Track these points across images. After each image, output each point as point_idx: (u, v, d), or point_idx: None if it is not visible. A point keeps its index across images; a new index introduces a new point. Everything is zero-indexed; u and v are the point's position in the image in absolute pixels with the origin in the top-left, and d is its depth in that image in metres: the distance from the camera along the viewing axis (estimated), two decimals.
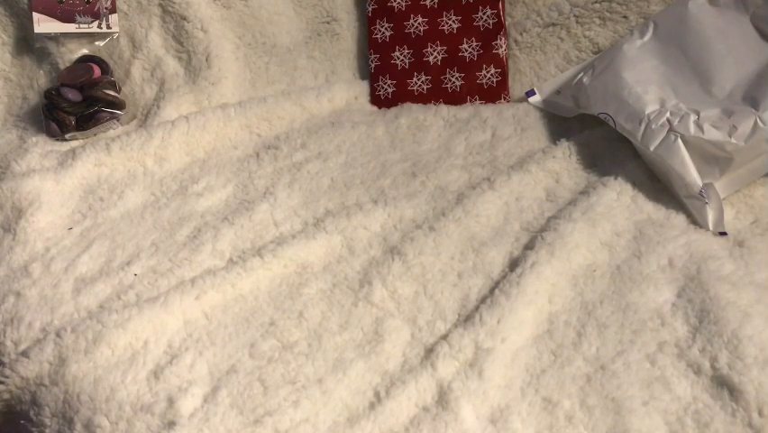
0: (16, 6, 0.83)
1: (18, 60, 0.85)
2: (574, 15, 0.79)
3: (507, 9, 0.83)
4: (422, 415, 0.49)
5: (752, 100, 0.61)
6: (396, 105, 0.84)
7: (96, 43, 0.82)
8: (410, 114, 0.81)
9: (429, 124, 0.79)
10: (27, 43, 0.84)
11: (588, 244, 0.60)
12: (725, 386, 0.49)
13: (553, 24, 0.80)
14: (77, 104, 0.78)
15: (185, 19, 0.82)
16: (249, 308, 0.58)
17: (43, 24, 0.80)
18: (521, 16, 0.83)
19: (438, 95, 0.83)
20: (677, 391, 0.49)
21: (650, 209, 0.63)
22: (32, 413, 0.54)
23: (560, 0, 0.80)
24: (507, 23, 0.82)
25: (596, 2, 0.78)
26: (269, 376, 0.52)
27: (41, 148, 0.76)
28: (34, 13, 0.80)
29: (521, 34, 0.82)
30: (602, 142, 0.70)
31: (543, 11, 0.81)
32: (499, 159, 0.72)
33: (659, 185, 0.65)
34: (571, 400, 0.49)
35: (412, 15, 0.84)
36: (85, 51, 0.82)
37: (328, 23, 0.88)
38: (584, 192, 0.65)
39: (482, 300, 0.56)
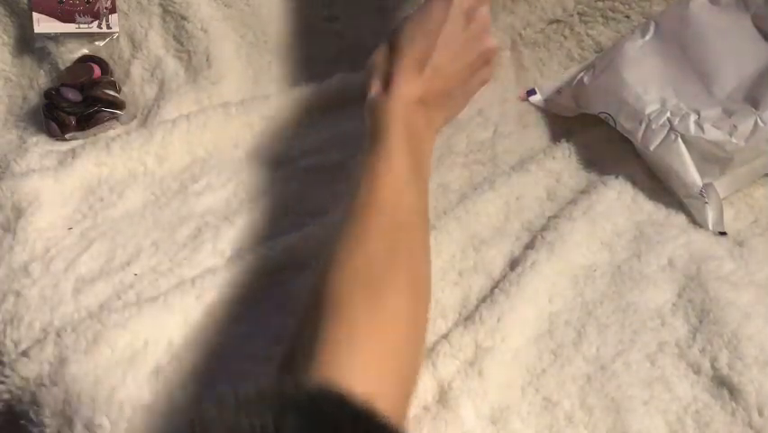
0: (16, 6, 0.82)
1: (18, 60, 0.85)
2: (578, 13, 0.79)
3: (510, 5, 0.82)
4: (422, 414, 0.49)
5: (752, 100, 0.61)
6: None
7: (96, 43, 0.82)
8: None
9: None
10: (27, 43, 0.84)
11: (588, 244, 0.60)
12: (725, 386, 0.49)
13: (557, 21, 0.80)
14: (78, 104, 0.78)
15: (185, 19, 0.82)
16: None
17: (43, 24, 0.80)
18: (525, 11, 0.82)
19: None
20: (677, 391, 0.49)
21: (650, 209, 0.63)
22: (31, 413, 0.54)
23: None
24: (509, 17, 0.82)
25: (599, 0, 0.78)
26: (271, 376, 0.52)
27: (41, 148, 0.76)
28: (34, 13, 0.80)
29: (524, 29, 0.82)
30: (603, 141, 0.70)
31: (547, 7, 0.81)
32: (500, 157, 0.72)
33: (659, 185, 0.64)
34: (571, 400, 0.49)
35: None
36: (85, 51, 0.82)
37: (330, 21, 0.88)
38: (585, 191, 0.65)
39: (483, 299, 0.56)
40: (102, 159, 0.73)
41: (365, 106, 0.55)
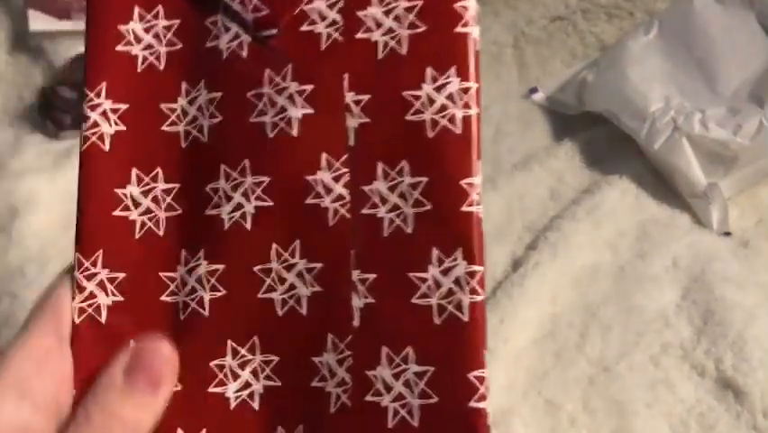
0: (11, 3, 0.82)
1: (13, 59, 0.84)
2: (581, 10, 0.79)
3: (512, 1, 0.82)
4: None
5: (757, 99, 0.60)
6: None
7: None
8: None
9: None
10: (22, 41, 0.83)
11: (591, 244, 0.59)
12: (729, 388, 0.49)
13: (560, 18, 0.80)
14: (74, 102, 0.77)
15: None
16: None
17: (39, 22, 0.79)
18: (527, 7, 0.82)
19: None
20: (681, 394, 0.49)
21: (654, 209, 0.62)
22: None
23: None
24: (511, 14, 0.81)
25: None
26: None
27: (37, 147, 0.75)
28: (30, 11, 0.79)
29: (527, 26, 0.81)
30: (606, 140, 0.69)
31: (549, 3, 0.81)
32: (502, 156, 0.71)
33: (663, 184, 0.64)
34: (573, 403, 0.49)
35: None
36: (81, 49, 0.81)
37: None
38: (588, 191, 0.64)
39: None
40: None
41: None
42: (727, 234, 0.59)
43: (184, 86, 0.30)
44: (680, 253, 0.58)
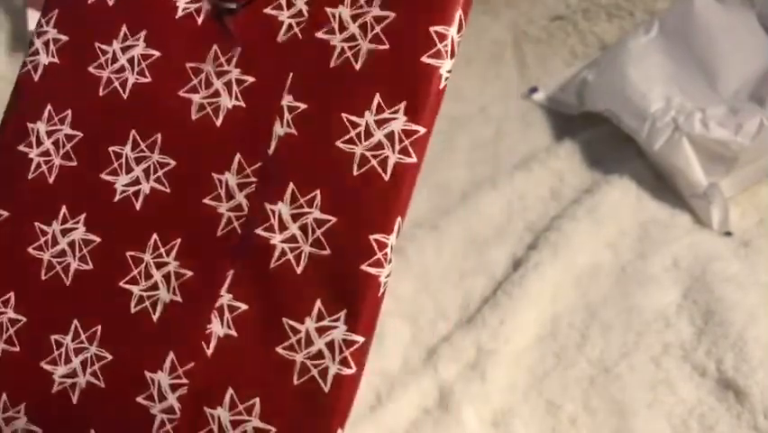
0: (10, 3, 0.82)
1: (13, 59, 0.84)
2: (581, 10, 0.79)
3: (512, 1, 0.82)
4: (423, 418, 0.49)
5: (758, 98, 0.60)
6: None
7: None
8: None
9: None
10: (22, 41, 0.83)
11: (592, 244, 0.59)
12: (730, 388, 0.49)
13: (560, 18, 0.80)
14: None
15: None
16: None
17: None
18: (528, 6, 0.82)
19: None
20: (682, 394, 0.49)
21: (655, 209, 0.62)
22: None
23: None
24: (511, 13, 0.81)
25: None
26: None
27: None
28: (29, 10, 0.79)
29: (527, 25, 0.82)
30: (607, 140, 0.69)
31: (549, 3, 0.81)
32: (503, 156, 0.71)
33: (664, 184, 0.64)
34: (574, 403, 0.49)
35: None
36: None
37: None
38: (588, 191, 0.64)
39: (485, 301, 0.56)
40: None
41: None
42: (728, 233, 0.59)
43: (123, 28, 0.27)
44: (680, 253, 0.58)
